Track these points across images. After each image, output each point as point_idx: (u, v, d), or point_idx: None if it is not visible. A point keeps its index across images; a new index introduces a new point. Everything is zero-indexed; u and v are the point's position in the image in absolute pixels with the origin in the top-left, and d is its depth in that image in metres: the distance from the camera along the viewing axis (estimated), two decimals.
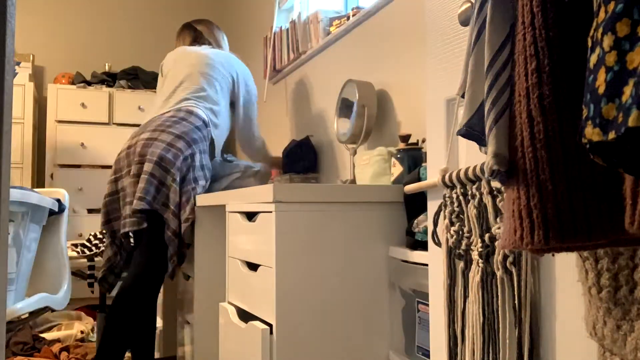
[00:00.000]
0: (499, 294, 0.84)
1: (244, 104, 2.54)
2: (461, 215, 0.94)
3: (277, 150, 3.36)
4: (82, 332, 2.85)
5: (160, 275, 2.14)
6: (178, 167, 2.12)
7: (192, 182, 2.16)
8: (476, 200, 0.89)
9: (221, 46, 2.65)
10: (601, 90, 0.45)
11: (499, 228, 0.85)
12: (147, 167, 2.08)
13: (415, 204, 1.39)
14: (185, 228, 2.10)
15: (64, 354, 2.50)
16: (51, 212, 1.88)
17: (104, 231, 2.23)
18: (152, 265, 2.11)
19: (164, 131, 2.16)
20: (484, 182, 0.87)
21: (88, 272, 2.45)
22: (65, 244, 2.02)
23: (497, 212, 0.86)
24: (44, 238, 1.89)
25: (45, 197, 1.80)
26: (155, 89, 4.02)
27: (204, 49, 2.54)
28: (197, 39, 2.62)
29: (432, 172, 1.06)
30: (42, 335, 2.73)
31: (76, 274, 2.44)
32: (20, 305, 1.63)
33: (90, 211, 3.84)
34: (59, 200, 1.92)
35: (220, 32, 2.72)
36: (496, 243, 0.86)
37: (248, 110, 2.56)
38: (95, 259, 2.46)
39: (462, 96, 0.72)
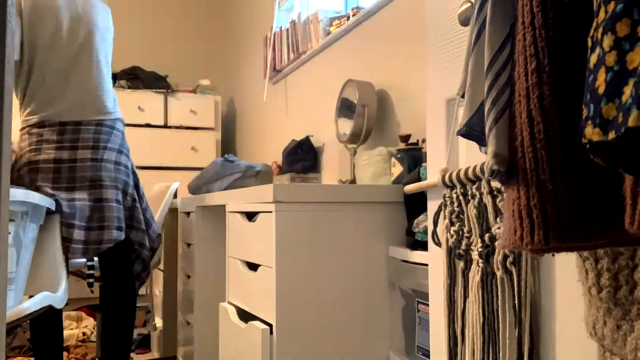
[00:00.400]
0: (499, 294, 0.84)
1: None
2: (461, 215, 0.94)
3: (277, 150, 3.37)
4: (83, 333, 2.85)
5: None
6: (131, 185, 2.09)
7: (143, 194, 2.15)
8: (476, 200, 0.89)
9: None
10: (601, 90, 0.45)
11: (499, 228, 0.85)
12: (110, 194, 1.99)
13: (416, 204, 1.39)
14: (158, 245, 2.12)
15: (63, 354, 2.50)
16: (47, 211, 1.88)
17: None
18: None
19: (106, 148, 2.03)
20: (484, 182, 0.87)
21: (87, 272, 2.45)
22: (60, 243, 2.02)
23: (497, 212, 0.86)
24: (40, 237, 1.89)
25: (45, 196, 1.80)
26: (155, 88, 4.04)
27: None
28: None
29: (432, 172, 1.06)
30: None
31: (76, 273, 2.43)
32: (27, 305, 1.64)
33: None
34: (56, 199, 1.93)
35: None
36: (496, 243, 0.86)
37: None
38: (95, 258, 2.46)
39: (462, 96, 0.72)
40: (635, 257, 0.59)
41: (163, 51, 4.58)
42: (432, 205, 1.07)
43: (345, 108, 2.09)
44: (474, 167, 0.89)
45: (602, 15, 0.46)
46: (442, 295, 1.02)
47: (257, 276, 1.46)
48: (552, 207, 0.55)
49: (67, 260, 2.04)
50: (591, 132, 0.45)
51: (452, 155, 1.01)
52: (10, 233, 1.66)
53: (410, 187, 1.13)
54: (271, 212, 1.36)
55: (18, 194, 1.56)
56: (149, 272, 2.15)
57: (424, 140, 1.69)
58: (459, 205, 0.94)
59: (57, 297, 1.86)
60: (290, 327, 1.34)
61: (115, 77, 4.18)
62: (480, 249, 0.88)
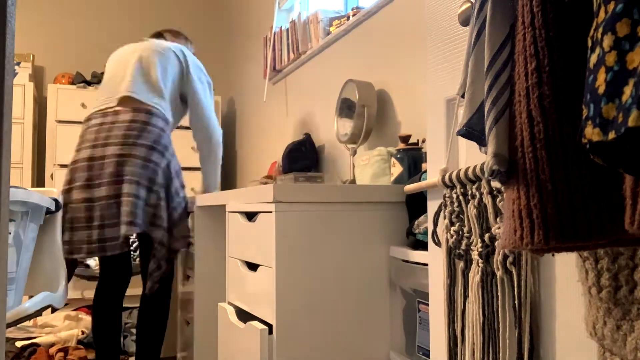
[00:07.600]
0: (499, 294, 0.84)
1: (195, 92, 2.38)
2: (461, 215, 0.94)
3: (277, 150, 3.36)
4: (82, 332, 2.85)
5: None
6: (160, 184, 2.09)
7: (176, 195, 2.15)
8: (476, 200, 0.89)
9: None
10: (601, 90, 0.45)
11: (499, 228, 0.85)
12: (129, 188, 2.00)
13: (418, 206, 1.39)
14: (184, 247, 2.15)
15: (59, 355, 2.50)
16: (47, 211, 1.89)
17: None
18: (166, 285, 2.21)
19: (135, 144, 2.07)
20: (484, 182, 0.87)
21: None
22: (60, 243, 2.02)
23: (497, 212, 0.86)
24: (40, 237, 1.90)
25: (44, 196, 1.81)
26: None
27: (151, 40, 2.44)
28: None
29: (432, 172, 1.06)
30: (36, 340, 2.73)
31: (76, 274, 2.44)
32: (27, 305, 1.65)
33: None
34: (55, 200, 1.93)
35: (187, 41, 2.64)
36: (496, 243, 0.86)
37: (201, 99, 2.39)
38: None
39: (462, 96, 0.72)
40: (635, 257, 0.59)
41: None
42: (432, 205, 1.07)
43: (346, 108, 2.09)
44: (474, 167, 0.89)
45: (602, 15, 0.46)
46: (442, 295, 1.02)
47: (257, 276, 1.46)
48: (552, 207, 0.55)
49: (75, 262, 2.06)
50: (591, 132, 0.45)
51: (452, 155, 1.01)
52: (10, 233, 1.66)
53: (410, 187, 1.13)
54: (271, 212, 1.36)
55: (18, 194, 1.57)
56: (164, 271, 2.13)
57: (424, 140, 1.69)
58: (459, 205, 0.94)
59: (57, 297, 1.86)
60: (290, 327, 1.34)
61: None
62: (480, 249, 0.88)
